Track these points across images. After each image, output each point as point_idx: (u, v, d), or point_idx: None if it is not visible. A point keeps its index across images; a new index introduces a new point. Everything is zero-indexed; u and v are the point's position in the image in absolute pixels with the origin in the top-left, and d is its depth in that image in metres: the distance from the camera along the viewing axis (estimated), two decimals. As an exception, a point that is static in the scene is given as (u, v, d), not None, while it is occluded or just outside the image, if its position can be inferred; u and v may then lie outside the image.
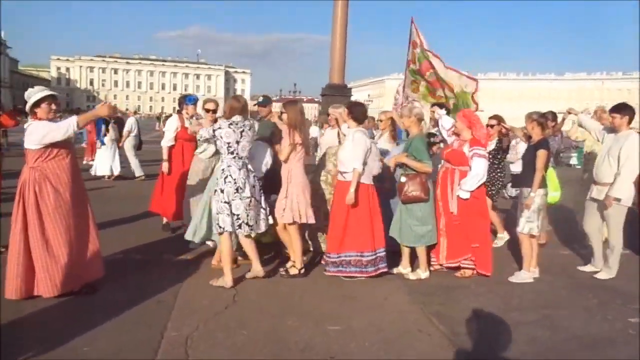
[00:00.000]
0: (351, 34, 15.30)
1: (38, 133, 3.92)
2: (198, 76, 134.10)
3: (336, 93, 14.72)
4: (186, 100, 6.33)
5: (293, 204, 4.70)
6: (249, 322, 3.78)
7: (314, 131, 20.12)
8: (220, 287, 4.46)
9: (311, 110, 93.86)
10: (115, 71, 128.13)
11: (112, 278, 4.47)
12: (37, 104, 4.03)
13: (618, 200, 5.05)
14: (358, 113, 4.87)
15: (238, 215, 4.44)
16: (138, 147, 12.15)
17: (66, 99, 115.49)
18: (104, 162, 11.46)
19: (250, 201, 4.48)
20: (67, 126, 3.99)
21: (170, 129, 6.27)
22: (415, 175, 4.88)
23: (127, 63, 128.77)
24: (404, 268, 5.12)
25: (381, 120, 6.21)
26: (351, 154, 4.69)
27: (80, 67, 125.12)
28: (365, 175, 4.76)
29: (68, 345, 3.27)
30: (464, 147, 5.04)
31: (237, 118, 4.53)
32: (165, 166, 6.27)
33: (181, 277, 4.69)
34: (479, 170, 4.93)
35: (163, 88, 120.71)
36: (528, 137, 5.37)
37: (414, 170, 4.90)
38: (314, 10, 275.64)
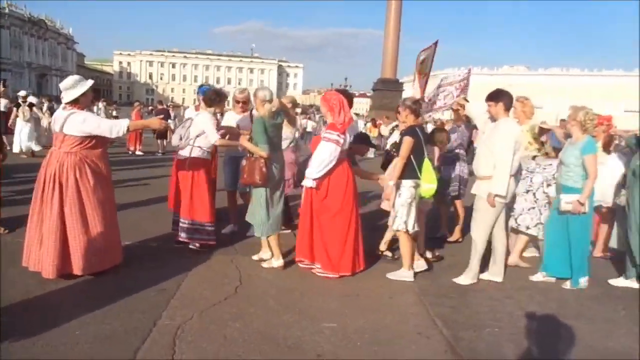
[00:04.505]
0: (404, 31, 15.14)
1: (91, 124, 4.11)
2: (252, 70, 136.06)
3: (388, 88, 14.39)
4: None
5: None
6: (245, 315, 3.74)
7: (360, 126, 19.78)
8: (225, 277, 4.50)
9: (362, 105, 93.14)
10: (173, 65, 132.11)
11: (124, 264, 4.56)
12: (84, 94, 4.18)
13: None
14: (206, 99, 5.16)
15: None
16: None
17: (127, 92, 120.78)
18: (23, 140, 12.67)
19: None
20: (119, 127, 4.19)
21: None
22: (254, 160, 4.66)
23: (185, 57, 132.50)
24: (264, 254, 5.01)
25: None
26: None
27: (141, 61, 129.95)
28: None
29: (63, 327, 3.33)
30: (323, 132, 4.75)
31: None
32: None
33: (189, 266, 4.69)
34: (321, 154, 4.51)
35: (218, 82, 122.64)
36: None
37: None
38: (368, 4, 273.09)
